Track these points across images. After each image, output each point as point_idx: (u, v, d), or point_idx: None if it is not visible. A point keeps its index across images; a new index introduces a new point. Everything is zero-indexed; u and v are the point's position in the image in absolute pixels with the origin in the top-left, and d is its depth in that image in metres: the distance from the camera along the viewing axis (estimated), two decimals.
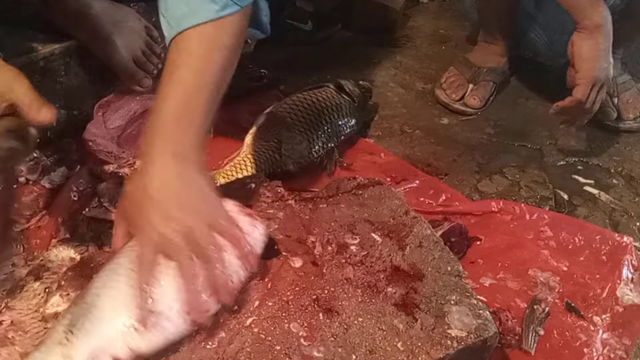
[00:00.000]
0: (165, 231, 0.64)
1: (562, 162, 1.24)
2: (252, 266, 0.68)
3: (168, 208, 0.65)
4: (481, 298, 0.75)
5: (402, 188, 1.08)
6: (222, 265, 0.65)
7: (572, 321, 0.86)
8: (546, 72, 1.52)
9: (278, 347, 0.65)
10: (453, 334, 0.67)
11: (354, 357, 0.64)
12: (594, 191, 1.15)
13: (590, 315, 0.87)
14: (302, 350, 0.65)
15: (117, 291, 0.63)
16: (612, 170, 1.22)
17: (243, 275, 0.67)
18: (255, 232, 0.71)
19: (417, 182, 1.11)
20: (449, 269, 0.76)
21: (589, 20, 1.08)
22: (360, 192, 0.88)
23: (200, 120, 0.70)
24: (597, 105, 1.13)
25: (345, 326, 0.67)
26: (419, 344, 0.66)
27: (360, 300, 0.71)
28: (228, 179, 1.01)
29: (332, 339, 0.66)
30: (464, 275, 0.75)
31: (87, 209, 0.94)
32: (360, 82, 1.27)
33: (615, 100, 1.35)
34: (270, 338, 0.66)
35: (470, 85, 1.40)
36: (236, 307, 0.69)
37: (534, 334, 0.82)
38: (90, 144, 1.08)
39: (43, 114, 0.63)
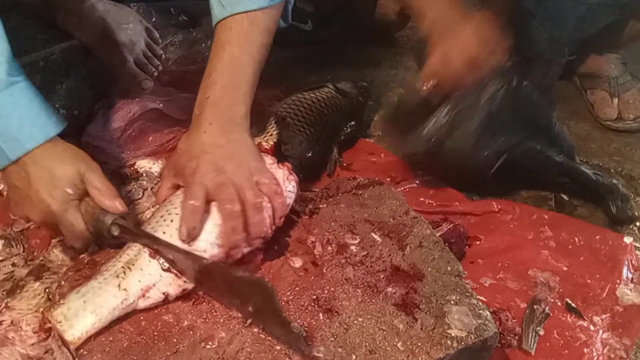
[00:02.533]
0: (218, 180, 0.73)
1: None
2: (282, 218, 0.77)
3: (221, 162, 0.74)
4: (481, 298, 0.75)
5: (402, 188, 1.08)
6: (261, 215, 0.73)
7: (572, 321, 0.86)
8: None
9: (278, 347, 0.65)
10: (453, 334, 0.67)
11: (354, 357, 0.64)
12: None
13: (590, 315, 0.87)
14: (302, 350, 0.65)
15: (167, 234, 0.72)
16: (612, 170, 1.22)
17: (272, 226, 0.76)
18: (289, 186, 0.80)
19: (417, 182, 1.11)
20: (449, 269, 0.76)
21: None
22: (360, 192, 0.88)
23: (248, 92, 0.81)
24: None
25: (345, 326, 0.67)
26: (419, 344, 0.66)
27: (360, 300, 0.71)
28: None
29: (332, 339, 0.66)
30: (464, 275, 0.75)
31: None
32: (360, 82, 1.27)
33: (616, 100, 1.35)
34: (270, 338, 0.66)
35: None
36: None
37: (534, 334, 0.82)
38: (90, 144, 1.08)
39: (116, 205, 0.73)
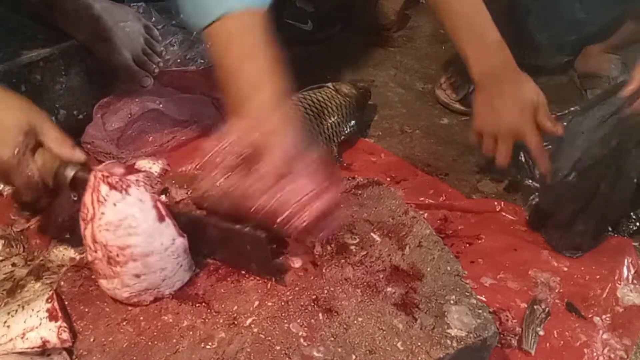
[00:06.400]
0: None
1: None
2: None
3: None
4: (481, 298, 0.75)
5: (402, 188, 1.08)
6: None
7: (572, 321, 0.86)
8: (546, 71, 1.51)
9: (278, 347, 0.65)
10: (453, 334, 0.67)
11: (353, 357, 0.64)
12: None
13: (590, 315, 0.87)
14: (302, 350, 0.65)
15: None
16: None
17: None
18: None
19: (417, 182, 1.11)
20: (449, 268, 0.76)
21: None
22: (360, 192, 0.88)
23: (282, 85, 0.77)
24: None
25: (345, 326, 0.67)
26: (419, 343, 0.66)
27: (360, 300, 0.71)
28: None
29: (332, 339, 0.66)
30: (463, 275, 0.75)
31: None
32: (360, 82, 1.27)
33: None
34: (270, 338, 0.66)
35: (471, 86, 1.40)
36: (236, 307, 0.69)
37: (534, 334, 0.82)
38: (89, 145, 1.08)
39: (77, 154, 0.72)
